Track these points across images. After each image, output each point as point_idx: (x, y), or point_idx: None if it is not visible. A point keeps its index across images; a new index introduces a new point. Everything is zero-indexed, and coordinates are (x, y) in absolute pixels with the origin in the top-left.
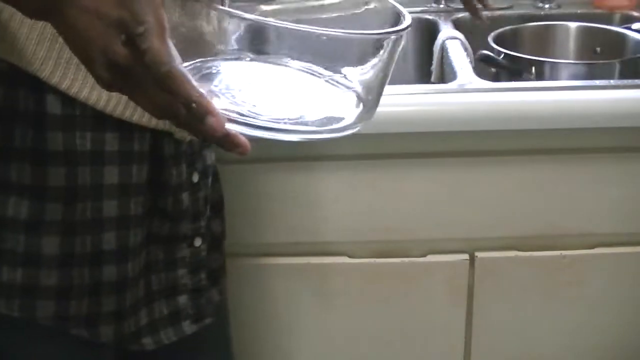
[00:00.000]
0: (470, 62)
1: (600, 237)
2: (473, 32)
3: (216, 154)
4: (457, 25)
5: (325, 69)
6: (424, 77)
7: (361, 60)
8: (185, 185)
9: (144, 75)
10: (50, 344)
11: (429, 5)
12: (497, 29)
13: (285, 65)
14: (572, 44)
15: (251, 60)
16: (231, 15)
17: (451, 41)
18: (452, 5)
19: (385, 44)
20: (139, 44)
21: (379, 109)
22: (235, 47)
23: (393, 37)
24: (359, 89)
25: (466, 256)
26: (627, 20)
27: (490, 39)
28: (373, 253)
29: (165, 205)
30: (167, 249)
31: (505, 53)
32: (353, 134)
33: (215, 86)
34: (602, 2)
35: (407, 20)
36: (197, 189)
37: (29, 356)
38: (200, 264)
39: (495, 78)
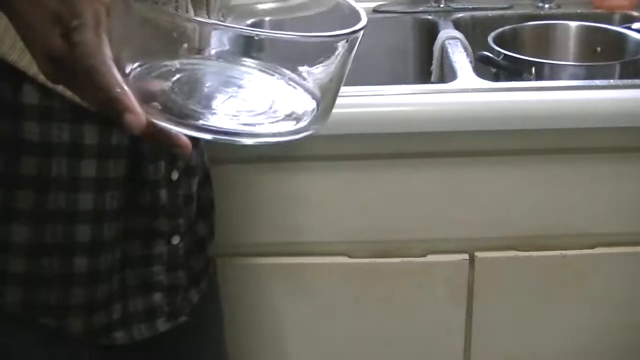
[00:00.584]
0: (470, 62)
1: (600, 237)
2: (473, 32)
3: (209, 156)
4: (457, 25)
5: (285, 69)
6: (424, 77)
7: (318, 62)
8: (162, 181)
9: (76, 68)
10: (22, 334)
11: (428, 5)
12: (497, 29)
13: (245, 65)
14: (572, 44)
15: (212, 60)
16: (188, 21)
17: (451, 41)
18: (452, 5)
19: (340, 45)
20: (72, 37)
21: (379, 109)
22: (201, 46)
23: (351, 37)
24: (316, 91)
25: (466, 256)
26: (627, 20)
27: (490, 39)
28: (373, 253)
29: (143, 200)
30: (143, 244)
31: (505, 54)
32: (353, 134)
33: (170, 85)
34: (602, 2)
35: (363, 21)
36: (176, 187)
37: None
38: (177, 263)
39: (495, 78)
